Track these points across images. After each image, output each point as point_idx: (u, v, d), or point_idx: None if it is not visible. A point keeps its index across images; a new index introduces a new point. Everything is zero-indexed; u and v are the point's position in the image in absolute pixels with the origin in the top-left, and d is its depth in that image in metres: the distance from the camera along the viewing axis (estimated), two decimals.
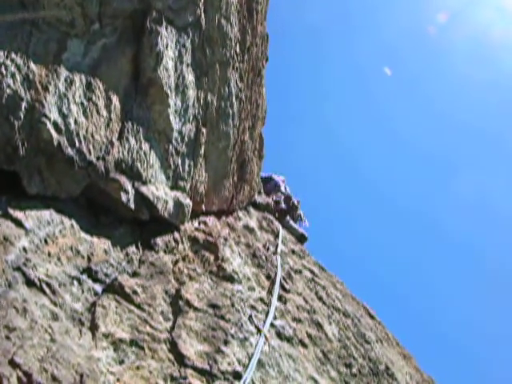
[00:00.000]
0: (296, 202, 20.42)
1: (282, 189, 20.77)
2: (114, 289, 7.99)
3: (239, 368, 8.28)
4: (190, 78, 11.52)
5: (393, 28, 79.67)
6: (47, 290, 6.88)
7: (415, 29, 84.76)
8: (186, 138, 11.49)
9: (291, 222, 18.95)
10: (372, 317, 15.42)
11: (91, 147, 8.88)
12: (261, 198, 17.20)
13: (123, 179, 9.48)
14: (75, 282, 7.52)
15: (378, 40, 76.08)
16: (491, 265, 65.77)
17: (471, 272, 71.30)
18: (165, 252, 10.04)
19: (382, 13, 77.82)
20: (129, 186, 9.60)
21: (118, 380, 6.41)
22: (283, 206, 19.43)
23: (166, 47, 10.61)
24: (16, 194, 8.01)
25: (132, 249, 9.46)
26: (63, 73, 8.57)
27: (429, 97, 78.44)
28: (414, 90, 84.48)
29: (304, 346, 10.55)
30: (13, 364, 5.40)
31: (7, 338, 5.69)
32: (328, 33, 79.15)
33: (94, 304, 7.44)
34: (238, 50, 13.52)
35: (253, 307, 10.28)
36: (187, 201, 11.33)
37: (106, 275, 8.19)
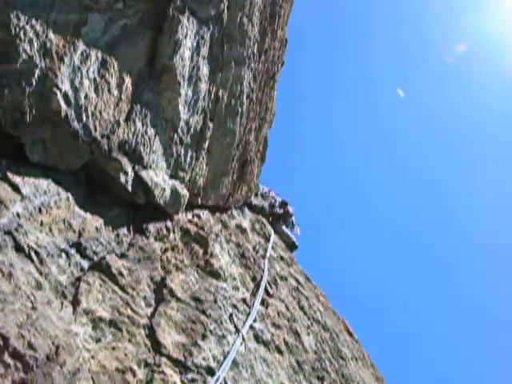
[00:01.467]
0: (291, 210, 20.43)
1: (273, 194, 20.79)
2: (101, 267, 7.96)
3: (213, 364, 8.26)
4: (204, 70, 11.51)
5: (411, 52, 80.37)
6: (35, 258, 6.84)
7: (433, 56, 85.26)
8: (192, 130, 11.47)
9: (284, 228, 18.94)
10: (350, 334, 15.42)
11: (97, 124, 8.85)
12: (257, 201, 17.21)
13: (124, 160, 9.45)
14: (63, 255, 7.49)
15: (395, 62, 76.63)
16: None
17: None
18: (155, 239, 10.01)
19: (403, 36, 78.47)
20: (129, 168, 9.57)
21: (92, 357, 6.37)
22: (278, 210, 19.45)
23: (185, 37, 10.59)
24: (17, 160, 7.97)
25: (123, 231, 9.42)
26: (80, 46, 8.54)
27: (440, 124, 79.07)
28: (425, 115, 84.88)
29: (280, 352, 10.54)
30: None
31: None
32: (347, 47, 79.52)
33: (78, 279, 7.41)
34: (255, 50, 13.52)
35: (235, 306, 10.26)
36: (184, 191, 11.31)
37: (95, 253, 8.15)
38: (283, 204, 20.29)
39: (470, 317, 70.01)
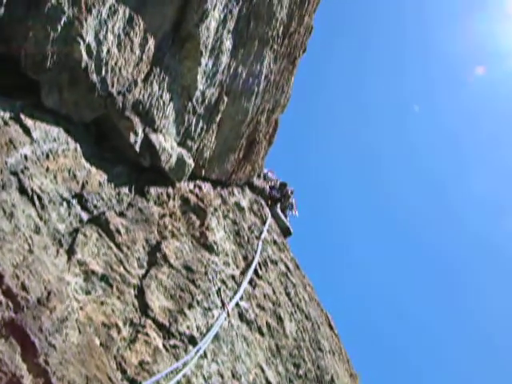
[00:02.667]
0: (290, 191, 20.39)
1: (272, 177, 20.68)
2: (100, 222, 7.97)
3: (196, 334, 8.31)
4: (227, 44, 11.45)
5: (433, 72, 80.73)
6: (37, 203, 6.84)
7: (453, 77, 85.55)
8: (207, 101, 11.43)
9: (279, 212, 18.90)
10: (331, 328, 15.49)
11: (115, 80, 8.82)
12: (258, 182, 17.19)
13: (136, 121, 9.44)
14: (64, 204, 7.49)
15: (415, 80, 77.08)
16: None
17: None
18: (155, 203, 10.00)
19: (425, 54, 78.74)
20: (140, 129, 9.56)
21: (81, 308, 6.40)
22: (276, 193, 19.40)
23: (214, 8, 10.53)
24: (31, 103, 7.94)
25: (125, 190, 9.41)
26: (110, 0, 8.48)
27: (456, 139, 79.53)
28: (441, 127, 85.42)
29: (261, 333, 10.59)
30: None
31: None
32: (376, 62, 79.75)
33: (76, 230, 7.41)
34: (280, 32, 13.45)
35: (223, 282, 10.29)
36: (190, 161, 11.29)
37: (95, 207, 8.16)
38: (282, 185, 20.23)
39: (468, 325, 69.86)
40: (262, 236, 13.87)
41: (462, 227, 78.42)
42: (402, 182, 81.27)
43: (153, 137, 9.93)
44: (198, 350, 7.99)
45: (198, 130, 11.48)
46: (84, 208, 7.90)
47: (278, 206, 19.20)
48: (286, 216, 19.64)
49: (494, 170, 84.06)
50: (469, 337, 68.87)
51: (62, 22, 7.78)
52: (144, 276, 8.14)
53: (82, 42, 8.07)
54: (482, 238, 74.24)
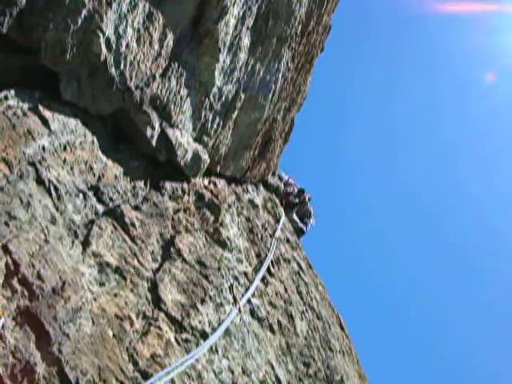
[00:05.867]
0: (307, 198, 20.33)
1: (292, 182, 20.63)
2: (115, 215, 8.01)
3: (208, 329, 8.31)
4: (245, 41, 11.47)
5: (443, 79, 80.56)
6: (53, 194, 6.88)
7: (462, 83, 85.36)
8: (224, 98, 11.45)
9: (295, 217, 18.89)
10: (342, 328, 15.46)
11: (134, 74, 8.86)
12: (273, 180, 17.19)
13: (154, 115, 9.48)
14: (81, 196, 7.53)
15: (424, 88, 76.95)
16: None
17: None
18: (170, 198, 10.04)
19: (433, 62, 78.53)
20: (156, 124, 9.60)
21: (94, 299, 6.43)
22: (294, 199, 19.39)
23: (233, 4, 10.54)
24: (50, 95, 7.99)
25: (140, 184, 9.46)
26: None
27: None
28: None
29: (272, 331, 10.58)
30: (5, 249, 5.41)
31: (6, 223, 5.70)
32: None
33: (92, 222, 7.45)
34: (298, 31, 13.44)
35: (236, 278, 10.30)
36: (206, 156, 11.32)
37: (111, 199, 8.20)
38: (300, 191, 20.20)
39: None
40: (277, 234, 13.88)
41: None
42: (419, 179, 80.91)
43: (169, 132, 9.97)
44: (209, 345, 8.00)
45: (215, 126, 11.51)
46: (100, 200, 7.95)
47: (294, 211, 19.19)
48: (305, 224, 19.59)
49: None
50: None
51: (82, 15, 7.82)
52: (158, 270, 8.16)
53: (101, 36, 8.11)
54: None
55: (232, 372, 8.45)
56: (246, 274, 10.88)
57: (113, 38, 8.34)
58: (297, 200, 19.54)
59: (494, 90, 78.26)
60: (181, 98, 10.09)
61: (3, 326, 4.91)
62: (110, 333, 6.40)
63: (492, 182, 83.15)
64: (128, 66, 8.70)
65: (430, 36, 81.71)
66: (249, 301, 10.29)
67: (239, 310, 9.54)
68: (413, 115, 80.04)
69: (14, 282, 5.32)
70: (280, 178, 19.50)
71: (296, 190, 20.03)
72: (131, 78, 8.81)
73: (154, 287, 7.77)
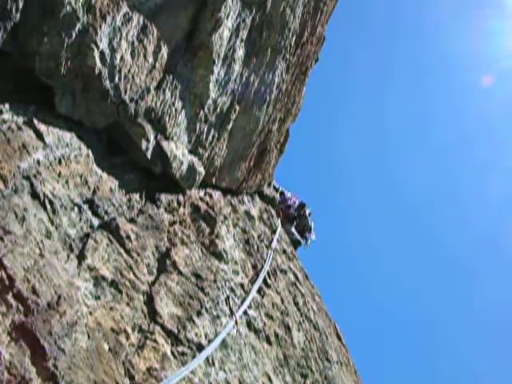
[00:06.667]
0: (308, 213, 20.36)
1: (293, 196, 20.64)
2: (110, 228, 7.98)
3: (204, 342, 8.30)
4: (240, 53, 11.50)
5: (437, 82, 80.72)
6: (48, 207, 6.87)
7: (458, 86, 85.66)
8: (218, 110, 11.47)
9: (294, 230, 18.92)
10: (339, 338, 15.45)
11: (128, 87, 8.87)
12: (268, 191, 17.21)
13: (148, 128, 9.49)
14: (76, 209, 7.51)
15: (420, 91, 77.14)
16: None
17: None
18: (165, 210, 10.03)
19: (429, 66, 78.84)
20: (151, 136, 9.60)
21: (90, 313, 6.41)
22: (293, 212, 19.43)
23: (227, 17, 10.58)
24: (44, 108, 8.00)
25: (135, 196, 9.45)
26: (124, 8, 8.54)
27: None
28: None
29: (269, 343, 10.57)
30: (0, 264, 5.39)
31: (1, 238, 5.68)
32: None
33: (87, 235, 7.43)
34: (292, 42, 13.50)
35: (232, 290, 10.29)
36: (201, 169, 11.33)
37: (106, 212, 8.18)
38: (301, 205, 20.24)
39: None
40: (273, 245, 13.88)
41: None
42: (415, 185, 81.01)
43: (164, 144, 9.97)
44: (205, 358, 7.98)
45: (210, 138, 11.52)
46: (95, 214, 7.92)
47: (294, 224, 19.22)
48: (305, 239, 19.63)
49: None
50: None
51: (76, 29, 7.84)
52: (153, 282, 8.14)
53: (95, 49, 8.12)
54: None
55: None
56: (242, 285, 10.87)
57: (107, 51, 8.35)
58: (296, 213, 19.58)
59: (490, 94, 78.61)
60: (175, 110, 10.10)
61: None
62: (106, 347, 6.37)
63: (486, 187, 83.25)
64: (122, 78, 8.71)
65: (425, 39, 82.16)
66: (245, 312, 10.28)
67: (236, 322, 9.53)
68: (406, 120, 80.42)
69: (9, 297, 5.30)
70: (281, 194, 19.59)
71: (297, 204, 20.08)
72: (126, 91, 8.82)
73: (149, 300, 7.75)
